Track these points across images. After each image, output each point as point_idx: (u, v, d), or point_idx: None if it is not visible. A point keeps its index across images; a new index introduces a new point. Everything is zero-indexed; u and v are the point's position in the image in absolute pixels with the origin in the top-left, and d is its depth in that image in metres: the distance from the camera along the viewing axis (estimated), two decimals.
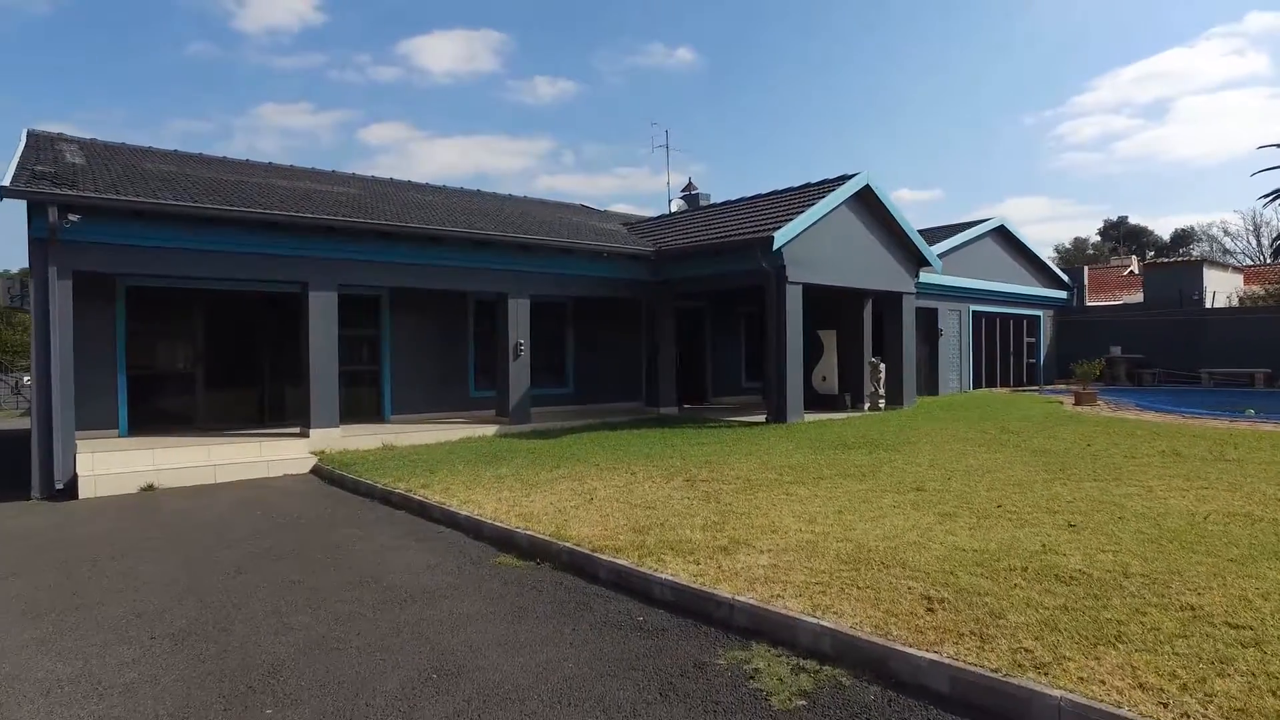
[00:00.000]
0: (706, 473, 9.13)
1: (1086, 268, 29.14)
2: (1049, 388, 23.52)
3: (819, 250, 14.76)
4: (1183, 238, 74.65)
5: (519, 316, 14.64)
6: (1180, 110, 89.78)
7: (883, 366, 17.17)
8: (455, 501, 8.02)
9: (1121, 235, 77.63)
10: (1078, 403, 16.78)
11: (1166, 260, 35.94)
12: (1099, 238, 79.14)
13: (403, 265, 13.35)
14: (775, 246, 13.61)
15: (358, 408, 14.97)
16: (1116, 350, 24.58)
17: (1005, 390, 22.92)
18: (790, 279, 14.10)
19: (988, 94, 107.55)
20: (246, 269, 11.88)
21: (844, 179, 15.50)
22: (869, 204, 15.88)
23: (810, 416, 14.79)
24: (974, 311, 22.46)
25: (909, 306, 17.01)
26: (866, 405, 17.41)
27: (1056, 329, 26.15)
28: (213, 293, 13.64)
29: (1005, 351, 24.37)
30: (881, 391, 17.13)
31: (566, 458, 10.71)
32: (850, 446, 11.01)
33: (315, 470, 11.54)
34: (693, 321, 19.93)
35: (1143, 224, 77.43)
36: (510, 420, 14.49)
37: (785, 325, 14.08)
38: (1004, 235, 23.67)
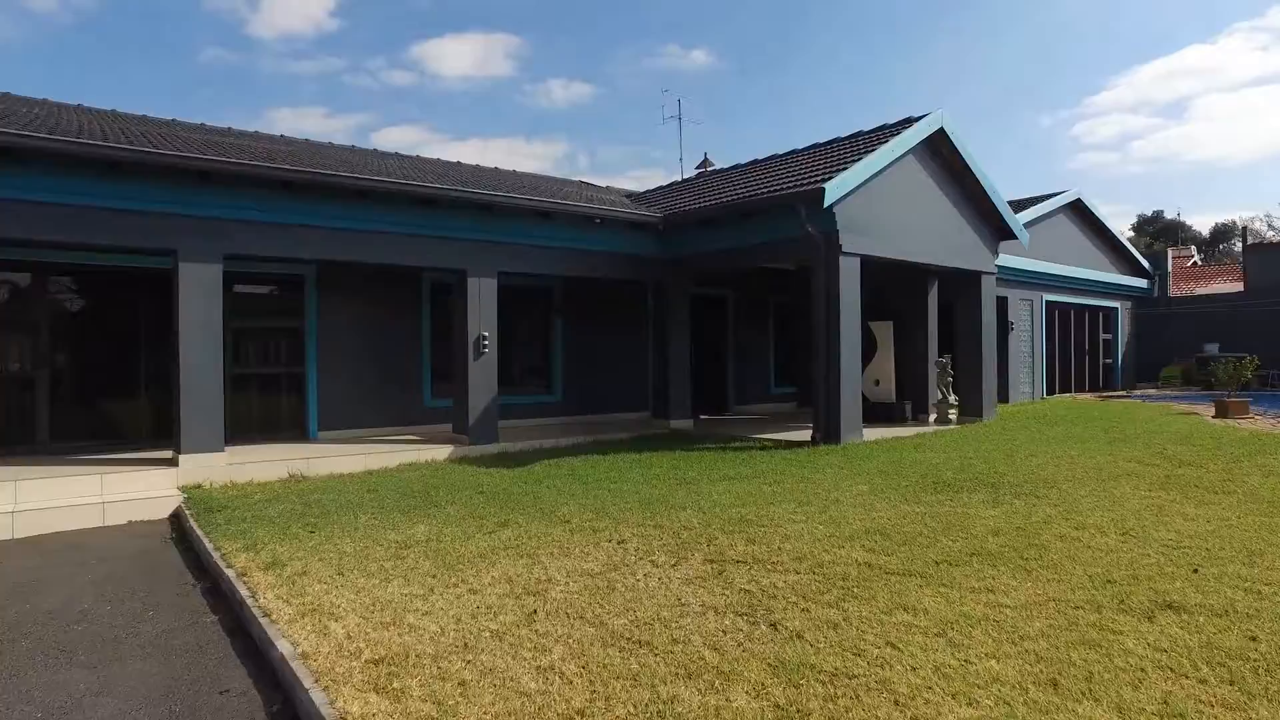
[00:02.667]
0: (743, 542, 5.51)
1: (1171, 251, 25.24)
2: (1143, 393, 19.70)
3: (881, 212, 11.10)
4: (1224, 232, 70.47)
5: (483, 302, 11.07)
6: (1200, 108, 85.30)
7: (952, 367, 13.49)
8: (291, 610, 4.41)
9: (1158, 231, 73.55)
10: (1222, 414, 12.99)
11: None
12: (1133, 233, 75.15)
13: (324, 232, 9.81)
14: (827, 203, 9.97)
15: (273, 422, 11.43)
16: (1213, 348, 20.76)
17: (1089, 396, 19.11)
18: (845, 249, 10.44)
19: (1001, 94, 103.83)
20: (91, 229, 8.36)
21: (908, 121, 11.83)
22: (942, 155, 12.20)
23: (868, 433, 11.10)
24: (1047, 301, 18.69)
25: (989, 291, 13.29)
26: (932, 417, 13.70)
27: (1135, 323, 22.33)
28: (63, 268, 10.13)
29: (1080, 350, 20.56)
30: (952, 399, 13.44)
31: (526, 505, 7.12)
32: (953, 487, 7.35)
33: (176, 515, 7.99)
34: (712, 312, 16.29)
35: (1178, 219, 73.38)
36: (470, 439, 10.91)
37: (839, 312, 10.42)
38: (1080, 212, 19.90)
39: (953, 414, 13.47)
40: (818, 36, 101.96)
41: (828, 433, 10.49)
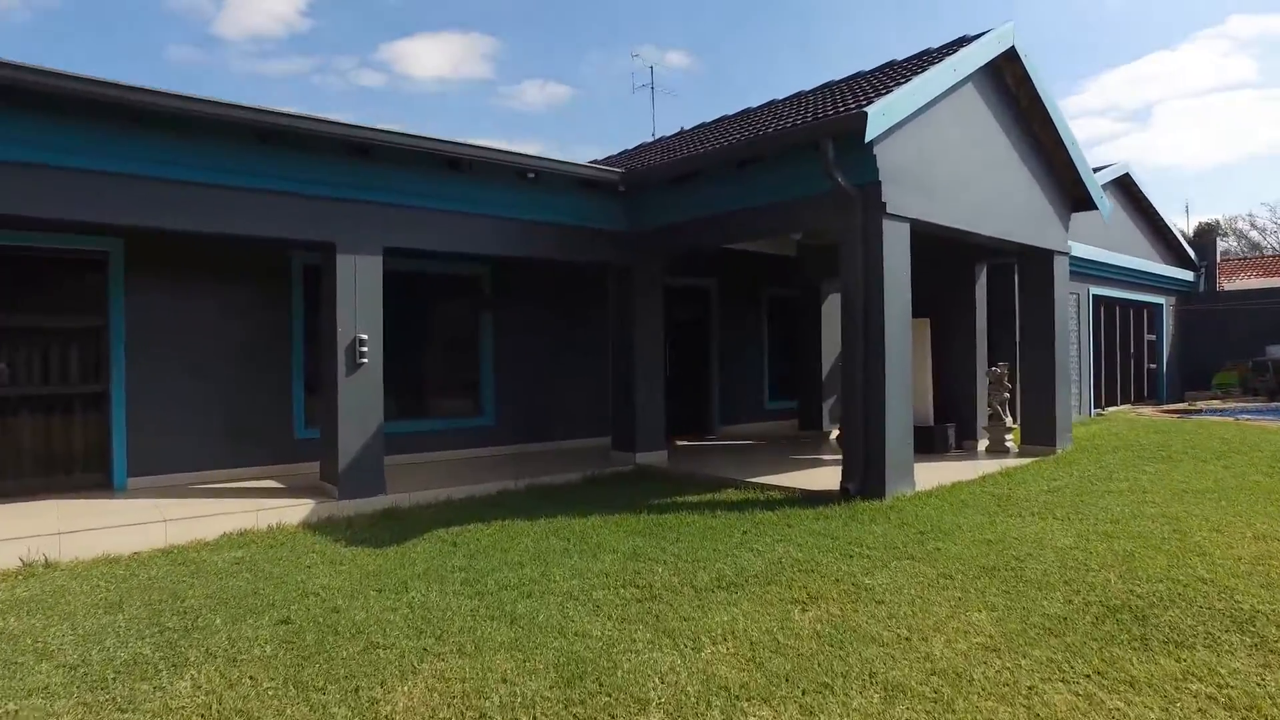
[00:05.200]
0: None
1: (1220, 240, 22.23)
2: (1208, 405, 16.56)
3: (935, 161, 7.76)
4: (1205, 232, 68.59)
5: (361, 289, 7.57)
6: (1164, 114, 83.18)
7: (1008, 378, 10.20)
8: None
9: None
10: None
11: None
12: None
13: (121, 181, 6.31)
14: (869, 136, 6.61)
15: (59, 464, 7.85)
16: (1277, 350, 17.73)
17: (1149, 410, 15.93)
18: (891, 209, 7.07)
19: None
20: None
21: (962, 41, 8.49)
22: (1008, 88, 8.88)
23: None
24: (1094, 296, 15.49)
25: (1063, 277, 9.98)
26: (983, 444, 10.41)
27: (1180, 322, 19.26)
28: None
29: (1125, 353, 17.41)
30: (1009, 420, 10.14)
31: (348, 662, 3.64)
32: (1143, 617, 3.98)
33: None
34: (691, 308, 12.89)
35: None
36: (341, 491, 7.40)
37: (883, 302, 7.05)
38: (1127, 191, 16.79)
39: (1010, 440, 10.17)
40: (789, 33, 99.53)
41: (867, 480, 7.10)
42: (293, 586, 4.99)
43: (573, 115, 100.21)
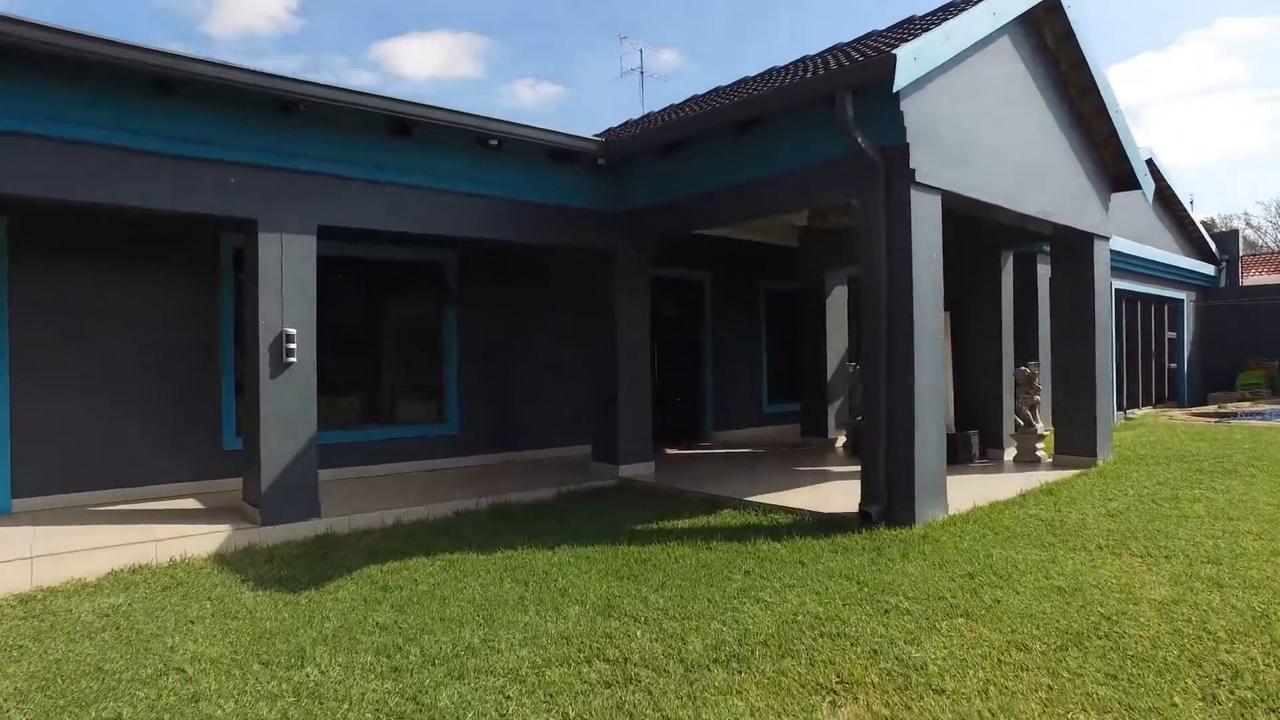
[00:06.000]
0: None
1: (1241, 232, 21.12)
2: (1241, 408, 15.46)
3: (972, 121, 6.60)
4: (1222, 235, 67.70)
5: (288, 275, 6.34)
6: (1154, 116, 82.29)
7: (1038, 379, 9.06)
8: None
9: None
10: None
11: None
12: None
13: None
14: (897, 86, 5.44)
15: None
16: None
17: (1180, 414, 14.81)
18: (921, 177, 5.89)
19: None
20: None
21: None
22: (1046, 45, 7.71)
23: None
24: (1116, 290, 14.35)
25: (1103, 264, 8.81)
26: (1009, 454, 9.27)
27: (1201, 319, 18.18)
28: None
29: (1146, 352, 16.30)
30: (1040, 427, 8.98)
31: None
32: None
33: None
34: (682, 303, 11.71)
35: None
36: (264, 515, 6.17)
37: (909, 289, 5.87)
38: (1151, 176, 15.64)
39: (1041, 449, 9.02)
40: (779, 32, 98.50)
41: (892, 503, 5.92)
42: (154, 657, 3.78)
43: (565, 115, 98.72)
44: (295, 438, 6.35)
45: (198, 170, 5.91)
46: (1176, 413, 14.86)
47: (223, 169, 6.02)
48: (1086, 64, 7.70)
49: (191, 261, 7.74)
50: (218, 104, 5.89)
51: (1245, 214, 60.77)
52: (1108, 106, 8.00)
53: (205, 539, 5.90)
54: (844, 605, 4.16)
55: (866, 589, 4.41)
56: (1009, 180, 7.02)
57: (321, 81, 6.08)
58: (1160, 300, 16.62)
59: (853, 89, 5.64)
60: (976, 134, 6.65)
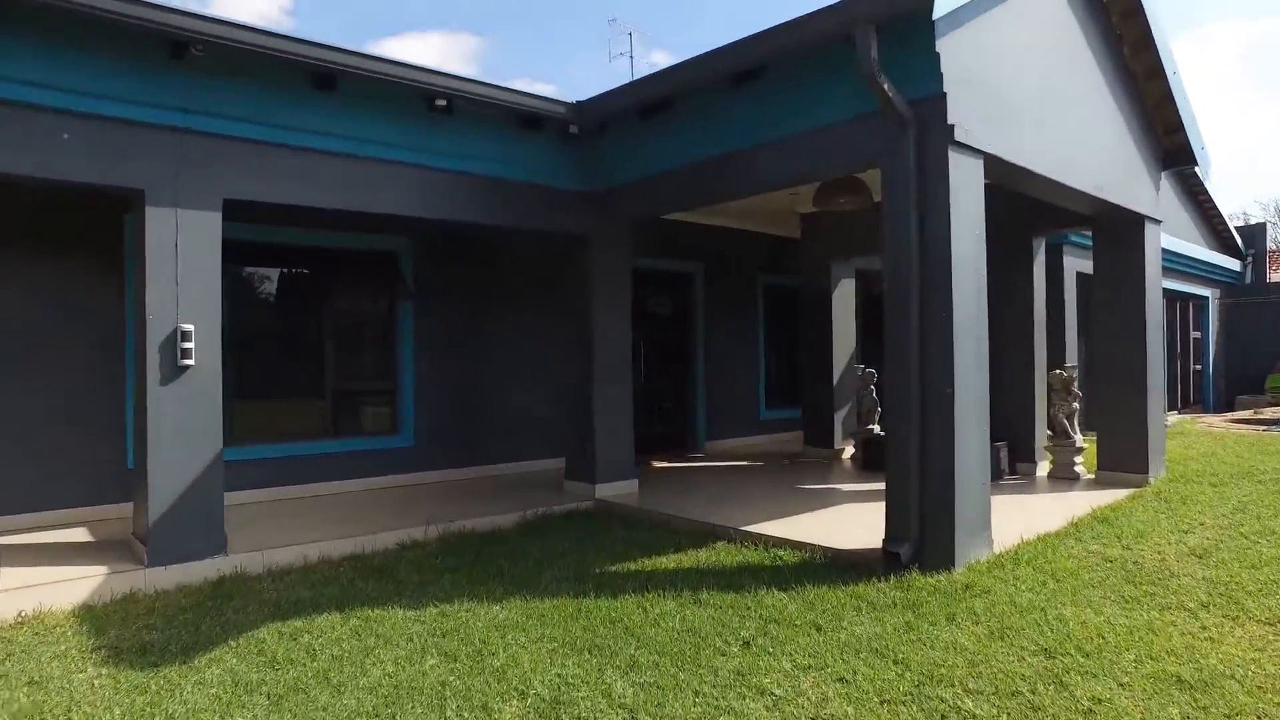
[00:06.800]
0: None
1: (1270, 224, 20.07)
2: (1272, 413, 14.35)
3: (1015, 72, 5.47)
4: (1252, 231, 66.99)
5: (185, 258, 5.17)
6: None
7: (1076, 382, 7.94)
8: None
9: None
10: None
11: None
12: None
13: None
14: (936, 13, 4.32)
15: None
16: None
17: (1216, 420, 13.71)
18: (960, 135, 4.74)
19: None
20: None
21: None
22: None
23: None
24: None
25: (1154, 251, 7.69)
26: (1042, 469, 8.15)
27: (1225, 317, 17.10)
28: None
29: (1171, 352, 15.19)
30: (1078, 438, 7.86)
31: None
32: None
33: None
34: (670, 297, 10.57)
35: None
36: (153, 550, 4.99)
37: (948, 275, 4.73)
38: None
39: (1080, 465, 7.89)
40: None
41: (926, 540, 4.77)
42: None
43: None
44: (193, 457, 5.18)
45: (62, 126, 4.73)
46: (1211, 418, 13.77)
47: (96, 126, 4.84)
48: (1143, 13, 6.57)
49: (91, 249, 6.56)
50: (88, 42, 4.71)
51: (1244, 213, 59.95)
52: (1164, 66, 6.87)
53: (72, 586, 4.73)
54: (881, 703, 3.02)
55: (908, 675, 3.26)
56: (1058, 148, 5.88)
57: (220, 18, 4.90)
58: (1185, 297, 15.52)
59: (877, 23, 4.50)
60: (1021, 90, 5.52)
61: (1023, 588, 4.33)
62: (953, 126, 4.69)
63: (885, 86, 4.57)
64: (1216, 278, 16.38)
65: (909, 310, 4.83)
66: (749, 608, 4.20)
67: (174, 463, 5.10)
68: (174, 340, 5.11)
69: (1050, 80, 5.94)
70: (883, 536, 4.99)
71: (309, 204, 5.76)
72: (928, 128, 4.75)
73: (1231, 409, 15.67)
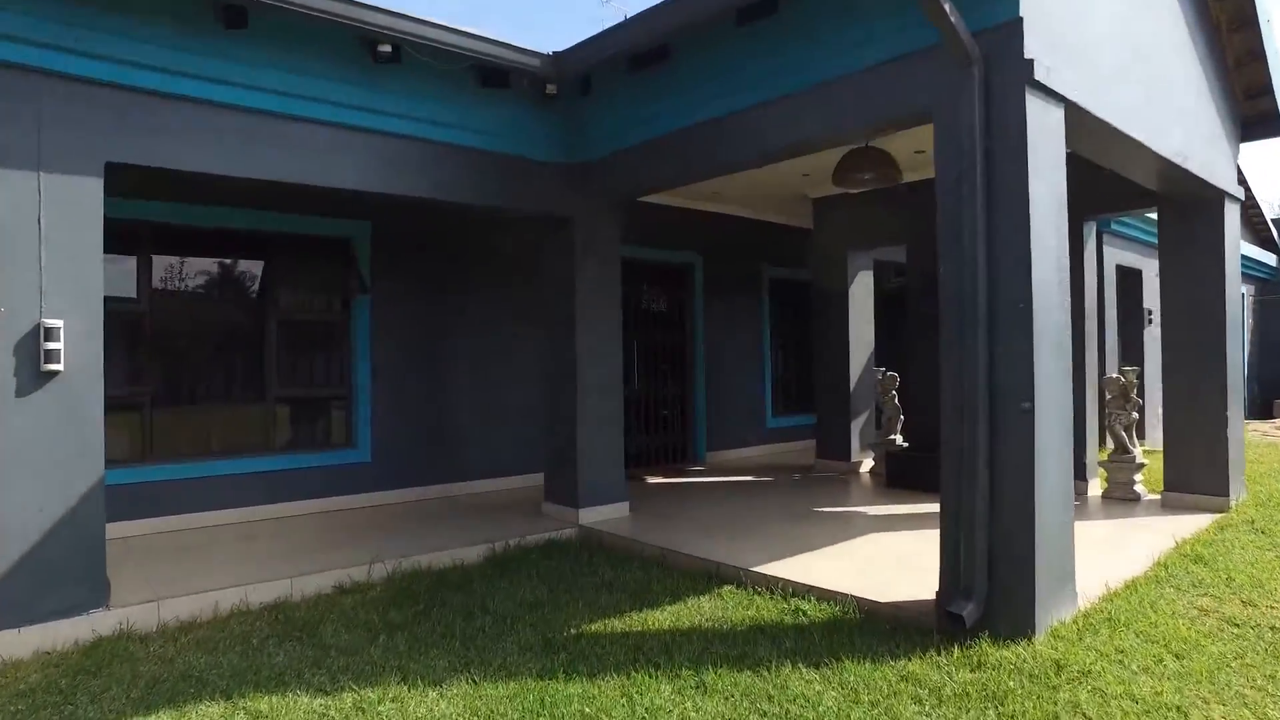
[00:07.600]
0: None
1: None
2: None
3: (1097, 10, 4.39)
4: None
5: (59, 236, 4.09)
6: None
7: (1136, 389, 6.88)
8: None
9: None
10: None
11: None
12: None
13: None
14: None
15: None
16: None
17: (1271, 429, 12.62)
18: (1040, 75, 3.65)
19: None
20: None
21: None
22: None
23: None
24: None
25: (1234, 232, 6.60)
26: (1096, 488, 7.10)
27: (1261, 316, 16.05)
28: None
29: None
30: (1138, 451, 6.79)
31: None
32: None
33: None
34: (666, 292, 9.48)
35: None
36: (6, 611, 3.90)
37: (1027, 254, 3.65)
38: None
39: (1139, 483, 6.82)
40: None
41: (996, 597, 3.69)
42: None
43: None
44: (60, 488, 4.08)
45: None
46: (1261, 425, 12.69)
47: None
48: None
49: None
50: None
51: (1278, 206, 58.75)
52: (1257, 14, 5.78)
53: None
54: None
55: None
56: (1142, 105, 4.80)
57: None
58: None
59: None
60: (1098, 29, 4.44)
61: (1134, 667, 3.25)
62: (1031, 62, 3.60)
63: (947, 8, 3.48)
64: (1251, 272, 15.31)
65: (970, 306, 3.74)
66: (771, 697, 3.12)
67: (33, 494, 4.00)
68: (35, 340, 4.01)
69: (1130, 22, 4.85)
70: (936, 589, 3.90)
71: (220, 171, 4.66)
72: (999, 66, 3.66)
73: (1271, 415, 14.60)
